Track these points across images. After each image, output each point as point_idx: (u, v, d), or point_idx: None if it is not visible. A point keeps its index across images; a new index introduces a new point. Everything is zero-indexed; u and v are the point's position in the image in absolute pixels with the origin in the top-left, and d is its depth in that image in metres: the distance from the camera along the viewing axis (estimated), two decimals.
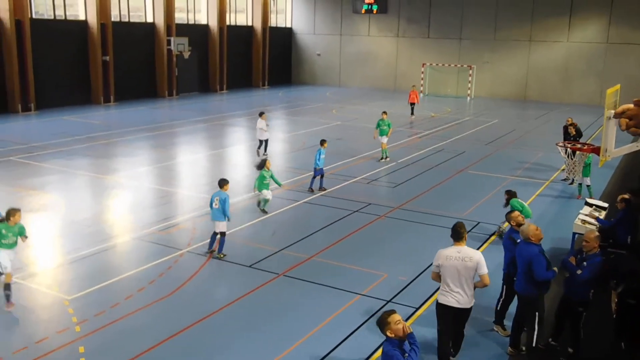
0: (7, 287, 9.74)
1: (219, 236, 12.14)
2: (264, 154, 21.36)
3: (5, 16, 29.63)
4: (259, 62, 47.47)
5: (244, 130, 28.04)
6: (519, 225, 9.23)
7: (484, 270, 7.83)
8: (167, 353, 8.60)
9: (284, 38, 50.49)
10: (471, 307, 8.07)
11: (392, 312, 6.28)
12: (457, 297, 7.88)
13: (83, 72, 34.40)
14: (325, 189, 17.31)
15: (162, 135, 25.71)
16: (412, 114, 32.61)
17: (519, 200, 12.85)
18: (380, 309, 9.93)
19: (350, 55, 49.02)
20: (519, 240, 8.85)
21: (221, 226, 12.08)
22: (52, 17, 33.06)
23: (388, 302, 10.28)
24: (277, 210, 15.44)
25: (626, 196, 11.67)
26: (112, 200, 16.44)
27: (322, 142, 17.29)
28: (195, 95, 41.07)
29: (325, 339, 9.01)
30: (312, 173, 17.29)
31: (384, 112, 21.48)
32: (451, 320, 8.04)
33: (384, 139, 21.08)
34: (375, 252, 12.68)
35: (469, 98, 43.47)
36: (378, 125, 21.19)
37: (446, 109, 36.84)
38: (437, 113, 34.91)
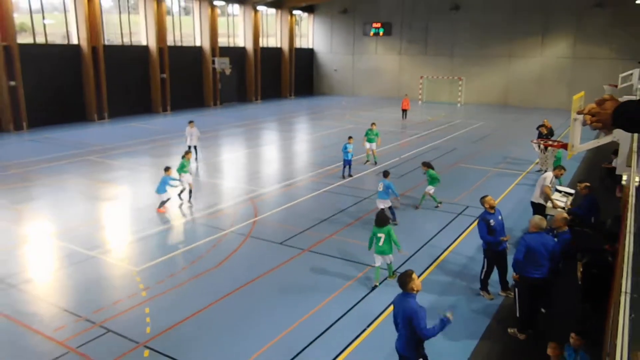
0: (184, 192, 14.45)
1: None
2: (196, 159, 19.84)
3: (84, 44, 29.98)
4: (286, 77, 47.43)
5: (275, 133, 28.10)
6: (492, 207, 9.08)
7: (544, 184, 11.51)
8: (214, 314, 8.69)
9: (306, 57, 50.33)
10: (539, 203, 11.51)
11: (412, 271, 6.03)
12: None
13: (145, 88, 34.71)
14: (352, 176, 17.78)
15: (209, 138, 25.86)
16: (403, 117, 32.57)
17: (434, 171, 14.27)
18: (386, 279, 9.93)
19: (361, 70, 48.75)
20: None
21: (382, 203, 12.80)
22: (121, 43, 33.39)
23: (393, 272, 10.25)
24: (303, 197, 15.49)
25: (588, 184, 11.51)
26: (169, 191, 16.60)
27: (349, 138, 17.81)
28: (235, 105, 41.20)
29: (343, 303, 9.04)
30: (341, 164, 18.14)
31: (373, 124, 20.16)
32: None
33: (373, 146, 19.63)
34: None
35: (459, 104, 42.97)
36: (367, 134, 19.69)
37: (440, 114, 36.48)
38: (433, 117, 34.61)
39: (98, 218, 13.68)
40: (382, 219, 9.50)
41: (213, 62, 38.43)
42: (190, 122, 20.40)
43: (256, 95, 43.78)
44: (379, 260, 9.57)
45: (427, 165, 14.34)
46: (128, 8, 34.05)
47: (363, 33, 47.40)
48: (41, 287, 9.68)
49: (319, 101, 44.92)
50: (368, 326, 8.26)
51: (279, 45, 46.93)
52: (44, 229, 12.76)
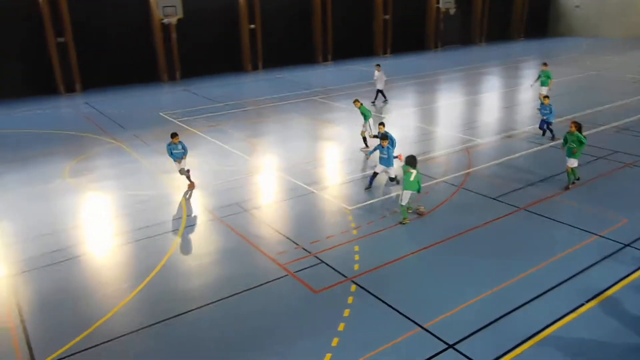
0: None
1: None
2: (373, 102, 20.92)
3: None
4: (517, 15, 43.70)
5: (498, 79, 26.49)
6: None
7: None
8: (417, 262, 8.91)
9: None
10: None
11: None
12: None
13: (368, 30, 35.68)
14: (554, 138, 15.30)
15: (426, 83, 25.66)
16: None
17: None
18: (617, 252, 8.91)
19: (611, 5, 42.11)
20: None
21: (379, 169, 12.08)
22: None
23: (626, 245, 9.12)
24: (523, 151, 14.53)
25: None
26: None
27: (545, 97, 15.50)
28: (458, 47, 39.72)
29: (558, 272, 8.42)
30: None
31: (544, 64, 19.64)
32: None
33: (544, 90, 18.93)
34: (617, 198, 11.24)
35: None
36: (539, 77, 19.41)
37: None
38: None
39: (318, 156, 14.93)
40: (413, 161, 10.17)
41: (437, 1, 37.32)
42: (377, 65, 21.43)
43: (481, 37, 41.51)
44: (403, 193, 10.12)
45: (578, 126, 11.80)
46: None
47: None
48: (267, 213, 11.10)
49: (553, 43, 40.61)
50: (587, 301, 7.59)
51: None
52: (272, 162, 14.46)
